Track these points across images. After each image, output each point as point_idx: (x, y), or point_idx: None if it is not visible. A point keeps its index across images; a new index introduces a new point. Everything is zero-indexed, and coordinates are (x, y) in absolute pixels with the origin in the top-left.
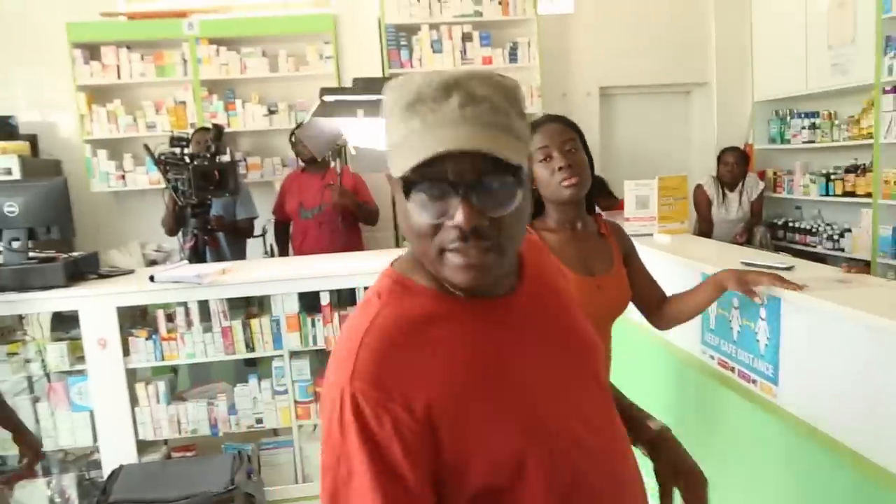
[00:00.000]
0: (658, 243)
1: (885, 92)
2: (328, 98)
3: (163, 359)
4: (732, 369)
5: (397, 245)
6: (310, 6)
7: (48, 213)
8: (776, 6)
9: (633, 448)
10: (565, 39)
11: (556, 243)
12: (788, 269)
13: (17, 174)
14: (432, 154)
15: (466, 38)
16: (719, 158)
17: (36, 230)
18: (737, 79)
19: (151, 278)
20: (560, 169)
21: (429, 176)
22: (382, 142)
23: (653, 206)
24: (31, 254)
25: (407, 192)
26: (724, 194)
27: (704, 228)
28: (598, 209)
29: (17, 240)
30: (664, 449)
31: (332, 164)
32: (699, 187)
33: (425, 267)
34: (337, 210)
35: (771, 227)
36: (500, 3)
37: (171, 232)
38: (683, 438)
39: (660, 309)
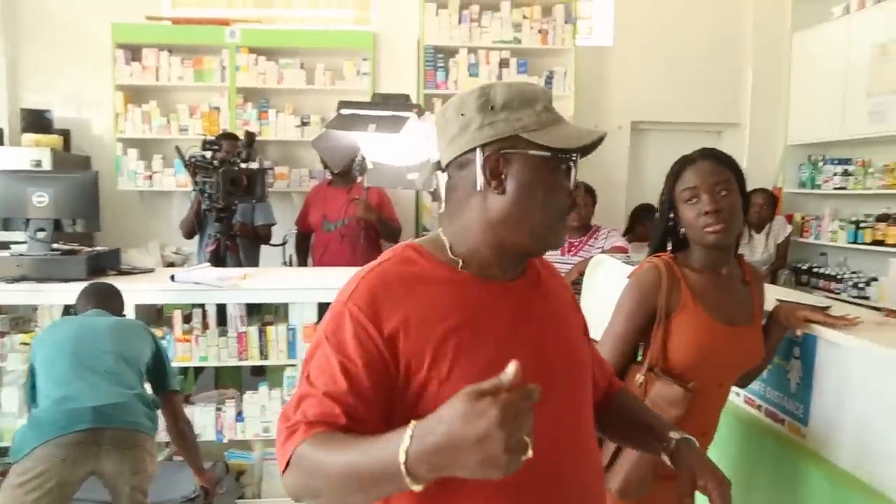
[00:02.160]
0: None
1: None
2: (345, 111)
3: (175, 360)
4: (759, 407)
5: None
6: (351, 23)
7: (77, 207)
8: (816, 52)
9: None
10: (602, 72)
11: (697, 284)
12: (826, 308)
13: (47, 167)
14: (589, 140)
15: (504, 63)
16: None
17: (62, 222)
18: (770, 121)
19: (172, 278)
20: (706, 213)
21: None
22: (448, 141)
23: None
24: (54, 245)
25: (561, 164)
26: (750, 235)
27: None
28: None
29: (42, 230)
30: (684, 455)
31: (359, 178)
32: None
33: (454, 247)
34: (360, 224)
35: (795, 272)
36: (539, 32)
37: (189, 234)
38: None
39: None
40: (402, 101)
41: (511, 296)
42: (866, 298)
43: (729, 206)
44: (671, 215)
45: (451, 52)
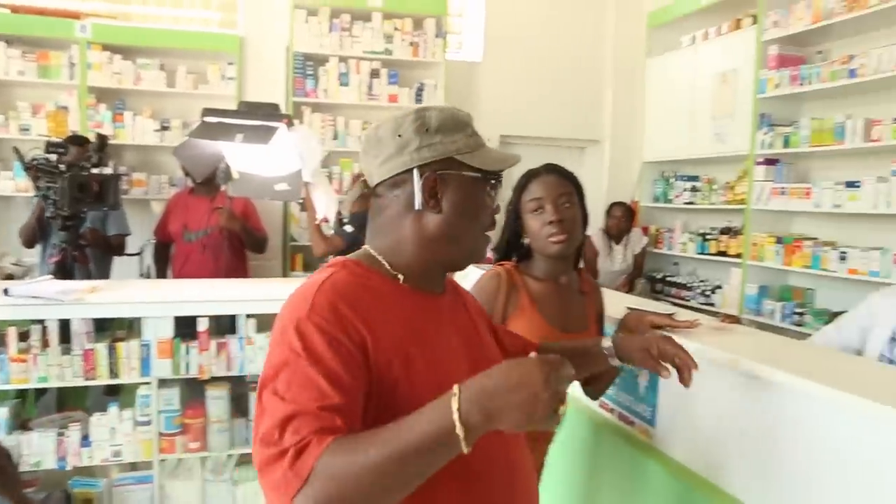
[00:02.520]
0: None
1: (757, 163)
2: (209, 119)
3: (9, 382)
4: (612, 411)
5: (285, 274)
6: (216, 25)
7: None
8: (667, 76)
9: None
10: (471, 86)
11: (538, 292)
12: (671, 314)
13: None
14: (512, 164)
15: (374, 74)
16: (608, 212)
17: None
18: (628, 139)
19: (6, 292)
20: (550, 223)
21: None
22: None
23: None
24: None
25: (488, 184)
26: (610, 247)
27: None
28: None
29: None
30: (626, 348)
31: (224, 187)
32: (588, 238)
33: (390, 262)
34: (223, 234)
35: (650, 281)
36: (410, 45)
37: (29, 243)
38: (562, 480)
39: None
40: (270, 111)
41: (443, 307)
42: (712, 305)
43: (571, 218)
44: (516, 226)
45: (321, 60)
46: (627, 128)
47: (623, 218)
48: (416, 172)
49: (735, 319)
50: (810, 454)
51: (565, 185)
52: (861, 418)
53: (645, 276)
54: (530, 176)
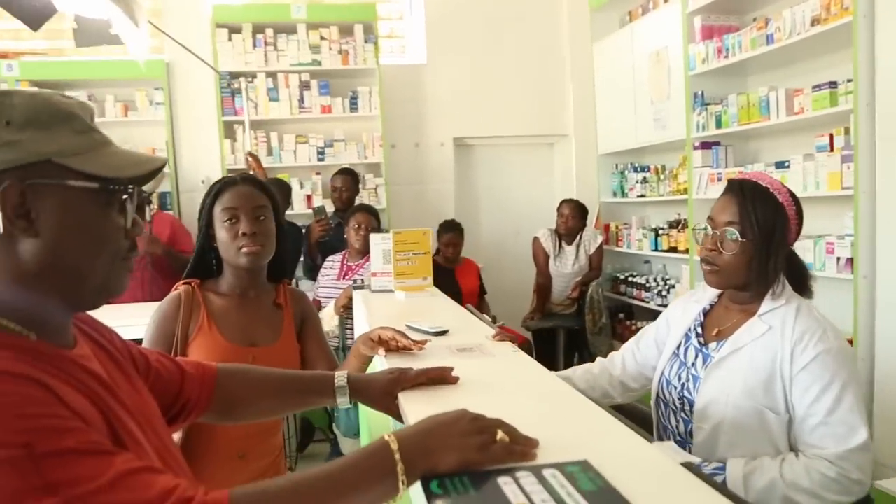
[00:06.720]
0: (394, 301)
1: (695, 147)
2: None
3: None
4: None
5: None
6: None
7: None
8: (610, 62)
9: None
10: (416, 90)
11: (218, 309)
12: (441, 333)
13: None
14: (150, 167)
15: (304, 86)
16: (557, 210)
17: None
18: (590, 132)
19: None
20: (244, 234)
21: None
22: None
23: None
24: None
25: (115, 196)
26: (560, 247)
27: (542, 282)
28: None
29: None
30: (363, 388)
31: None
32: (536, 240)
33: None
34: (146, 259)
35: (614, 282)
36: (339, 53)
37: None
38: None
39: None
40: None
41: (91, 364)
42: (666, 306)
43: (265, 231)
44: (207, 235)
45: (249, 78)
46: (588, 121)
47: (572, 216)
48: None
49: (506, 337)
50: None
51: (260, 197)
52: None
53: (607, 277)
54: (225, 185)
